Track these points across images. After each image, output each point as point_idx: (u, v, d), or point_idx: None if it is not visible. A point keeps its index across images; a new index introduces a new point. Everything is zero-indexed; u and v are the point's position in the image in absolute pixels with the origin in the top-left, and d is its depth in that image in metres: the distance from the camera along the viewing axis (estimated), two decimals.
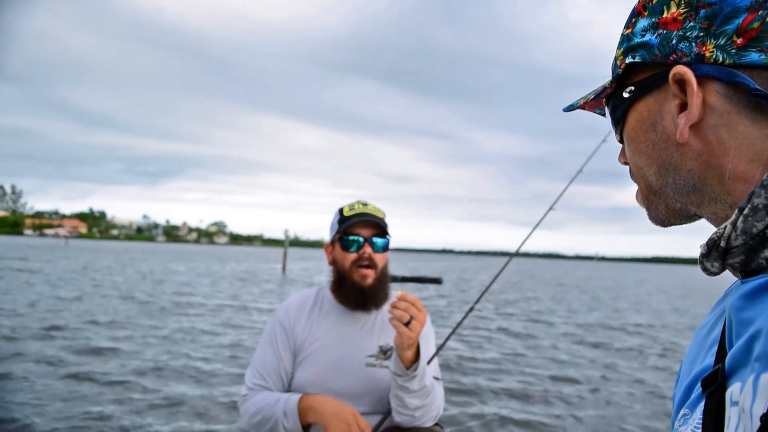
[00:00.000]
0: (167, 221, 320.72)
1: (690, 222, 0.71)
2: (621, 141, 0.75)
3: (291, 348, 2.07)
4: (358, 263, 2.04)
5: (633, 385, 6.94)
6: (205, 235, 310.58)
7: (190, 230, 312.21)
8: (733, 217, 0.58)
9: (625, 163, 0.76)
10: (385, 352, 2.06)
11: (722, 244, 0.59)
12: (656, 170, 0.68)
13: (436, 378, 2.04)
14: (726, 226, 0.59)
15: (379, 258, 2.07)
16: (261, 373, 2.04)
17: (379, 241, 2.07)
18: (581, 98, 0.79)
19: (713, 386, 0.58)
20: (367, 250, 2.04)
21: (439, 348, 2.09)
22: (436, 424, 2.05)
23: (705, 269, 0.64)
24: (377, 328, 2.10)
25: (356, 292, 2.04)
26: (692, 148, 0.63)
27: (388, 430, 1.99)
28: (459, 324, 2.33)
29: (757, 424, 0.48)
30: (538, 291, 24.39)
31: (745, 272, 0.60)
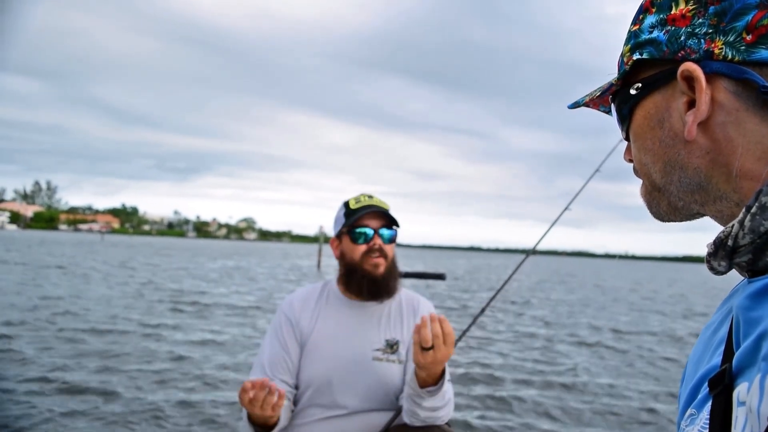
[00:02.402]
0: (197, 217, 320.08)
1: (690, 220, 0.70)
2: (627, 138, 0.75)
3: (297, 340, 2.04)
4: (369, 254, 2.03)
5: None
6: (235, 231, 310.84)
7: (220, 226, 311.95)
8: (741, 215, 0.58)
9: (630, 161, 0.75)
10: (391, 346, 2.03)
11: (729, 243, 0.59)
12: (661, 167, 0.67)
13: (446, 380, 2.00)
14: (733, 225, 0.58)
15: (388, 248, 2.07)
16: (267, 366, 2.00)
17: (387, 231, 2.07)
18: (587, 95, 0.78)
19: (720, 386, 0.57)
20: (377, 241, 2.04)
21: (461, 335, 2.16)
22: (446, 424, 2.02)
23: (712, 268, 0.63)
24: (384, 321, 2.08)
25: (369, 282, 2.02)
26: (699, 145, 0.63)
27: (397, 427, 1.97)
28: (472, 323, 2.43)
29: (765, 424, 0.48)
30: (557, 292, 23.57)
31: (752, 271, 0.60)
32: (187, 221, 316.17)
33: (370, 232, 2.04)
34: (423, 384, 1.79)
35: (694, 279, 50.47)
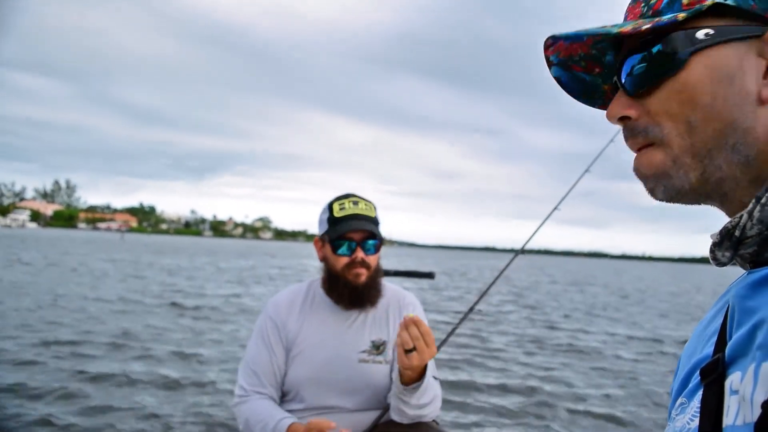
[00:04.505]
0: (214, 216, 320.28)
1: (698, 204, 0.66)
2: (638, 89, 0.64)
3: (283, 343, 2.05)
4: (350, 266, 2.03)
5: None
6: (251, 230, 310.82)
7: (236, 225, 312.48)
8: (750, 206, 0.57)
9: (626, 117, 0.66)
10: (377, 347, 2.06)
11: (737, 233, 0.58)
12: (717, 128, 0.60)
13: (433, 377, 2.02)
14: (742, 215, 0.57)
15: (371, 259, 2.06)
16: (254, 371, 2.03)
17: (371, 242, 2.06)
18: (627, 23, 0.64)
19: (713, 375, 0.57)
20: (359, 254, 2.03)
21: (440, 345, 2.09)
22: (434, 421, 2.06)
23: (715, 258, 0.62)
24: (369, 323, 2.10)
25: (350, 291, 2.04)
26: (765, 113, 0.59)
27: (385, 424, 2.00)
28: (457, 325, 2.39)
29: (757, 411, 0.48)
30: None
31: (754, 263, 0.59)
32: (203, 220, 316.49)
33: (352, 245, 2.04)
34: (408, 382, 1.83)
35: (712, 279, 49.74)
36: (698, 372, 0.61)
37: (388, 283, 2.22)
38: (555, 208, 2.50)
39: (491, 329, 10.51)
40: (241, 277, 20.54)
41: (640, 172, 0.65)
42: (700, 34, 0.60)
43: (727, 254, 0.60)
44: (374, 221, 2.10)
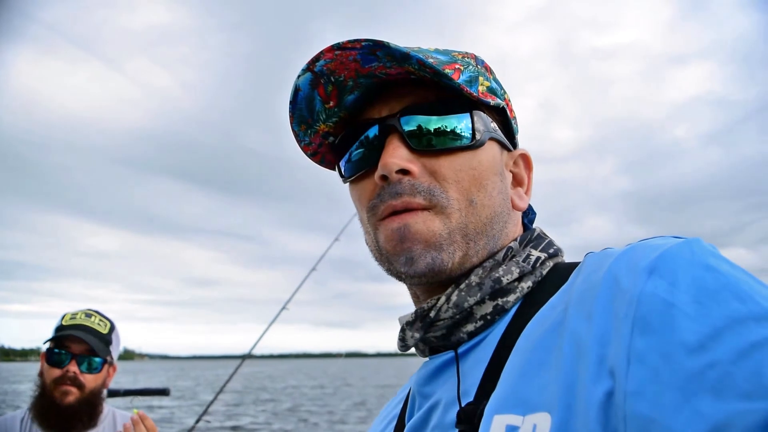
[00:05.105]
0: None
1: (430, 284, 0.67)
2: (427, 148, 0.65)
3: None
4: (60, 381, 1.89)
5: None
6: None
7: None
8: (450, 290, 0.64)
9: (401, 171, 0.65)
10: None
11: (432, 314, 0.63)
12: (489, 215, 0.66)
13: None
14: (440, 298, 0.63)
15: (88, 378, 1.92)
16: None
17: (91, 359, 1.91)
18: (419, 54, 0.64)
19: None
20: (73, 368, 1.89)
21: None
22: None
23: (402, 339, 0.67)
24: None
25: (54, 412, 1.87)
26: (511, 215, 0.70)
27: None
28: (193, 426, 2.53)
29: None
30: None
31: (432, 350, 0.66)
32: None
33: (67, 357, 1.88)
34: None
35: None
36: None
37: (114, 409, 2.09)
38: (283, 308, 2.53)
39: None
40: None
41: (410, 234, 0.63)
42: (494, 125, 0.68)
43: (416, 335, 0.64)
44: (103, 339, 1.98)
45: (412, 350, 0.72)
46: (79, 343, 1.91)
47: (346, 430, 11.55)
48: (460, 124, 0.66)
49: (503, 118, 0.74)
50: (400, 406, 0.72)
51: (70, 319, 1.97)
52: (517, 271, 0.65)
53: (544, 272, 0.67)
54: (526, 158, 0.76)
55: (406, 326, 0.65)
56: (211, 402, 2.36)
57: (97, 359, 1.93)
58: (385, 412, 0.77)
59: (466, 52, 0.74)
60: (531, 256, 0.67)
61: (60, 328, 1.95)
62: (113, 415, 2.06)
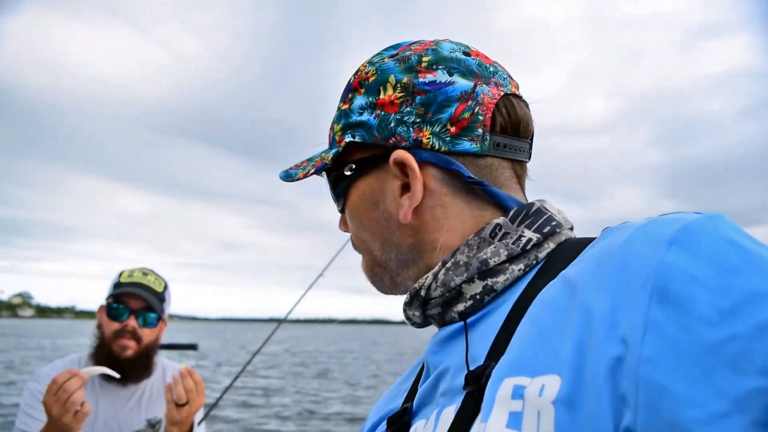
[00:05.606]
0: None
1: (407, 294, 0.70)
2: (341, 211, 0.76)
3: None
4: (120, 334, 1.99)
5: None
6: (7, 308, 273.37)
7: None
8: (436, 268, 0.64)
9: (346, 231, 0.77)
10: (153, 426, 2.03)
11: (422, 293, 0.65)
12: (381, 246, 0.70)
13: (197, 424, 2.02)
14: (428, 277, 0.64)
15: (146, 333, 2.03)
16: None
17: (147, 315, 2.03)
18: (300, 170, 0.75)
19: (397, 424, 0.63)
20: (132, 323, 2.00)
21: (206, 413, 2.11)
22: None
23: (408, 318, 0.69)
24: (144, 400, 2.08)
25: (113, 364, 1.95)
26: (411, 226, 0.67)
27: None
28: (227, 388, 2.51)
29: None
30: None
31: (443, 323, 0.66)
32: None
33: (125, 311, 2.00)
34: None
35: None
36: (385, 422, 0.66)
37: (164, 360, 2.21)
38: (320, 275, 2.46)
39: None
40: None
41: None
42: (347, 171, 0.70)
43: (417, 313, 0.67)
44: (159, 296, 2.09)
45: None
46: (137, 300, 1.99)
47: (364, 395, 11.52)
48: (333, 192, 0.74)
49: (385, 116, 0.67)
50: (412, 378, 0.73)
51: (128, 276, 2.04)
52: (505, 253, 0.63)
53: (541, 255, 0.64)
54: (399, 165, 0.66)
55: (405, 306, 0.67)
56: (248, 363, 2.39)
57: (153, 315, 2.02)
58: (398, 383, 0.77)
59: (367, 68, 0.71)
60: (522, 237, 0.64)
61: (118, 285, 2.02)
62: (163, 366, 2.17)
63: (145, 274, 2.09)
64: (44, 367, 2.06)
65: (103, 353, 1.99)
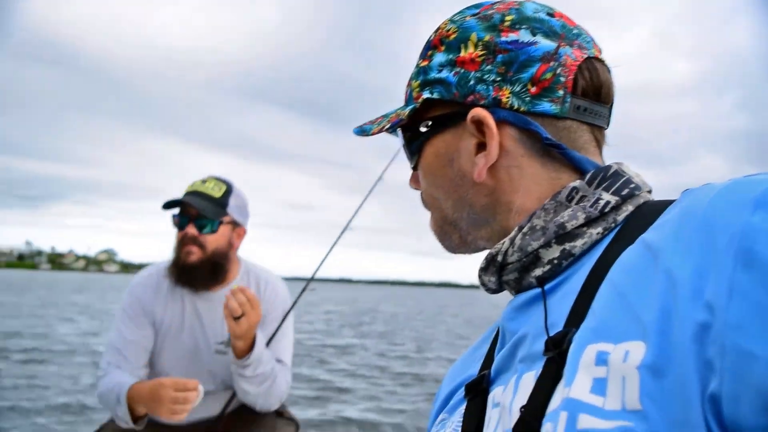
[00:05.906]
0: (53, 248, 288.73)
1: (477, 253, 0.72)
2: (414, 168, 0.75)
3: (149, 321, 2.08)
4: (183, 242, 2.04)
5: None
6: (94, 263, 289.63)
7: (77, 258, 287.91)
8: (513, 233, 0.63)
9: (417, 188, 0.77)
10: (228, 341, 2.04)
11: (499, 258, 0.64)
12: (452, 204, 0.70)
13: (279, 360, 2.05)
14: (504, 242, 0.64)
15: (209, 239, 2.04)
16: (117, 348, 2.02)
17: (203, 221, 2.03)
18: (375, 125, 0.76)
19: (477, 390, 0.62)
20: (191, 230, 2.02)
21: (275, 331, 2.10)
22: (283, 407, 2.20)
23: (483, 284, 0.68)
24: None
25: (179, 270, 2.03)
26: (486, 185, 0.67)
27: (238, 411, 2.12)
28: (283, 319, 2.41)
29: (516, 416, 0.53)
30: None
31: (519, 290, 0.65)
32: (39, 252, 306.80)
33: (184, 219, 2.03)
34: (240, 355, 1.89)
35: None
36: (462, 389, 0.66)
37: (251, 265, 2.25)
38: (346, 228, 2.38)
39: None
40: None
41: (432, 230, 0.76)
42: (423, 127, 0.70)
43: (493, 279, 0.66)
44: (216, 202, 2.07)
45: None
46: (192, 208, 2.00)
47: (433, 357, 11.46)
48: (408, 148, 0.74)
49: (464, 74, 0.66)
50: (486, 345, 0.72)
51: (189, 186, 2.07)
52: (583, 216, 0.61)
53: (619, 218, 0.62)
54: (476, 123, 0.65)
55: (481, 272, 0.67)
56: (287, 313, 2.21)
57: (206, 221, 2.00)
58: (472, 350, 0.76)
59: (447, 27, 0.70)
60: (600, 200, 0.62)
61: (185, 195, 2.05)
62: (247, 272, 2.19)
63: (204, 182, 2.12)
64: (141, 276, 2.20)
65: (173, 260, 2.08)
